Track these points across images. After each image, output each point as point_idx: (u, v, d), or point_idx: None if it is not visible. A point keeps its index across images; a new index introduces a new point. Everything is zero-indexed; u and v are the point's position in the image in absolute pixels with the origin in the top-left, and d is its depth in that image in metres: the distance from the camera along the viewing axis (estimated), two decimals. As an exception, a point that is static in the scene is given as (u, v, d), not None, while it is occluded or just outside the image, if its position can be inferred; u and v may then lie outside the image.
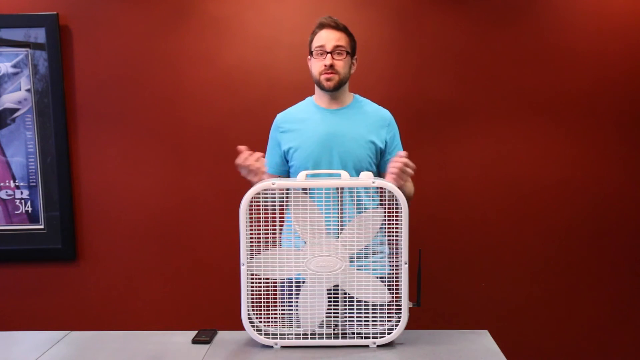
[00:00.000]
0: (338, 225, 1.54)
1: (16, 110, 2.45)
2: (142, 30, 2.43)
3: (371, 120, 1.83)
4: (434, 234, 2.48)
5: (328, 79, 1.76)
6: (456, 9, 2.40)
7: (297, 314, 1.57)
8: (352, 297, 1.54)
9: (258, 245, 1.53)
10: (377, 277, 1.54)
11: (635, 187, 2.45)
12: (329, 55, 1.74)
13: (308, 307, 1.54)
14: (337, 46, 1.75)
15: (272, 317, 1.56)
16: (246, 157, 1.62)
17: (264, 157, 1.66)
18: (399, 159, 1.60)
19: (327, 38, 1.75)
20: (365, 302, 1.54)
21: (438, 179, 2.46)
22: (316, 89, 1.84)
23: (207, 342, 1.61)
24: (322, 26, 1.78)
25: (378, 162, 1.86)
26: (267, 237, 1.53)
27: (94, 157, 2.49)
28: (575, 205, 2.47)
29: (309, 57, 1.82)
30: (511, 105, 2.43)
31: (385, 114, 1.87)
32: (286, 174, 1.89)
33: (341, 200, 1.56)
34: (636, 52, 2.39)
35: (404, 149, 1.90)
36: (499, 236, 2.49)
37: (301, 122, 1.83)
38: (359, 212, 1.54)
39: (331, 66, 1.74)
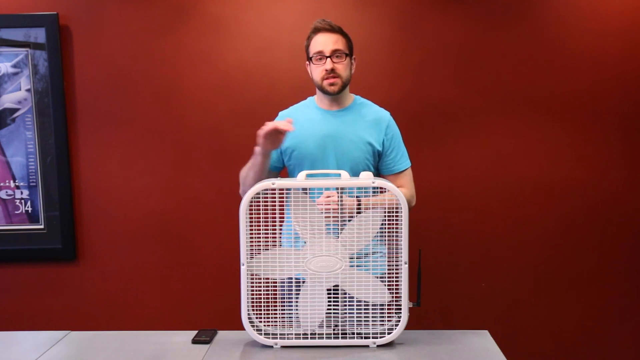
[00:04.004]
0: (338, 225, 1.54)
1: (16, 110, 2.45)
2: (142, 30, 2.43)
3: (369, 122, 1.83)
4: (434, 234, 2.48)
5: (331, 84, 1.76)
6: (456, 9, 2.40)
7: (297, 313, 1.57)
8: (352, 297, 1.54)
9: (258, 245, 1.53)
10: (377, 276, 1.54)
11: (636, 187, 2.45)
12: (328, 59, 1.74)
13: (308, 307, 1.54)
14: (336, 50, 1.75)
15: (272, 317, 1.56)
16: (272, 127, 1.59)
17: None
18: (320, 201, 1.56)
19: (325, 42, 1.75)
20: (365, 302, 1.54)
21: (438, 179, 2.46)
22: (317, 90, 1.85)
23: (207, 342, 1.61)
24: (317, 30, 1.77)
25: (376, 164, 1.86)
26: (267, 237, 1.53)
27: (94, 157, 2.49)
28: (575, 205, 2.47)
29: (307, 62, 1.83)
30: (511, 106, 2.43)
31: (384, 115, 1.86)
32: (279, 171, 1.90)
33: (341, 200, 1.56)
34: (636, 52, 2.39)
35: (406, 149, 1.89)
36: (499, 236, 2.49)
37: (301, 122, 1.83)
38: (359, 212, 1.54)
39: (332, 70, 1.74)
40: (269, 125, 1.61)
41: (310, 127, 1.82)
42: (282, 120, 1.86)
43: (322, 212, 1.53)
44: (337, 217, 1.54)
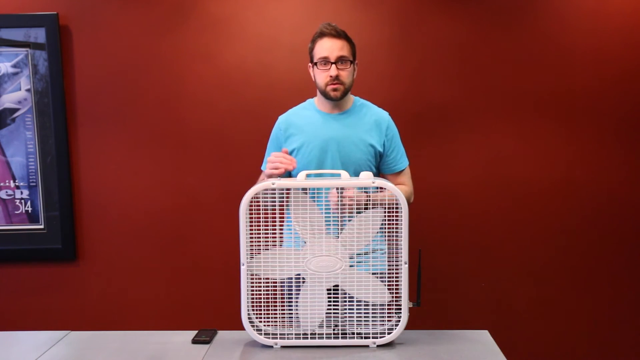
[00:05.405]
0: (338, 225, 1.54)
1: (16, 110, 2.45)
2: (142, 30, 2.43)
3: (370, 124, 1.84)
4: (434, 234, 2.48)
5: (335, 89, 1.77)
6: (456, 9, 2.40)
7: (297, 313, 1.57)
8: (352, 297, 1.54)
9: (258, 245, 1.53)
10: (377, 275, 1.54)
11: (636, 187, 2.45)
12: (333, 66, 1.75)
13: (308, 307, 1.54)
14: (341, 56, 1.76)
15: (272, 317, 1.56)
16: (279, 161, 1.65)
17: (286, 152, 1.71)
18: (331, 198, 1.56)
19: (331, 48, 1.75)
20: (365, 302, 1.54)
21: (438, 179, 2.46)
22: (318, 93, 1.85)
23: (207, 342, 1.61)
24: (322, 35, 1.77)
25: (378, 164, 1.87)
26: (267, 237, 1.53)
27: (94, 157, 2.49)
28: (575, 205, 2.47)
29: (310, 64, 1.83)
30: (511, 106, 2.43)
31: (384, 116, 1.88)
32: (287, 174, 1.89)
33: (341, 200, 1.56)
34: (636, 52, 2.39)
35: (405, 149, 1.91)
36: (499, 236, 2.49)
37: (303, 126, 1.85)
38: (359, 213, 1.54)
39: (337, 77, 1.76)
40: (276, 170, 1.64)
41: (312, 131, 1.83)
42: (282, 123, 1.88)
43: (327, 210, 1.53)
44: (350, 211, 1.53)
